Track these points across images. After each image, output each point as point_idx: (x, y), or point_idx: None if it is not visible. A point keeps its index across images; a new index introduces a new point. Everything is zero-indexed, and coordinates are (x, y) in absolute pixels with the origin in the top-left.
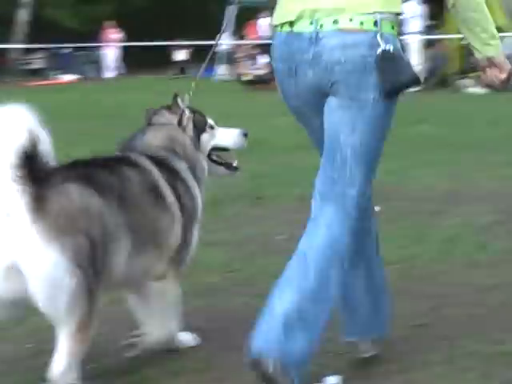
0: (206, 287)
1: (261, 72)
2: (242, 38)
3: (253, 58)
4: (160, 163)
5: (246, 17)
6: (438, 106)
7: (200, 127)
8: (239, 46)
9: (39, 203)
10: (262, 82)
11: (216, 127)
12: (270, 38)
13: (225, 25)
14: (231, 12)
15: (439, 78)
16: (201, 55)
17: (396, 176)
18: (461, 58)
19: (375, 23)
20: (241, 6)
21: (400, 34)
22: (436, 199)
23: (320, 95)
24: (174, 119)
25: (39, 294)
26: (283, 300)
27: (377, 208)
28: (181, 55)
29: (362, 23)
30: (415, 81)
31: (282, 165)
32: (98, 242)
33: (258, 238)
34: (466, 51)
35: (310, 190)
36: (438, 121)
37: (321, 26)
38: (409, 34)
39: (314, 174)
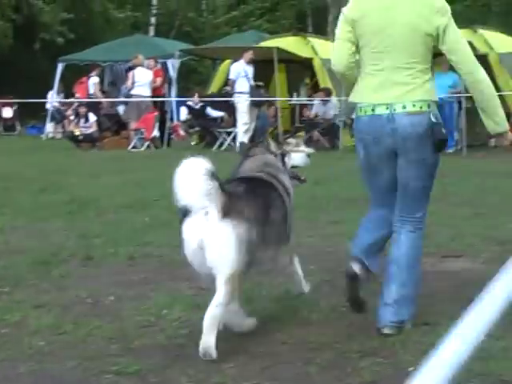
0: (34, 351)
1: (90, 130)
2: (71, 95)
3: (82, 116)
4: (274, 178)
5: (76, 75)
6: None
7: (283, 154)
8: (69, 103)
9: (225, 205)
10: (91, 141)
11: (290, 152)
12: (94, 97)
13: (57, 83)
14: (60, 70)
15: (267, 138)
16: (29, 112)
17: None
18: (289, 118)
19: (428, 106)
20: (70, 63)
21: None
22: None
23: (394, 156)
24: (266, 151)
25: (214, 256)
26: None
27: None
28: (7, 112)
29: (421, 107)
30: (446, 138)
31: (111, 224)
32: (256, 231)
33: (87, 300)
34: (298, 111)
35: (139, 249)
36: None
37: (394, 109)
38: (236, 93)
39: (143, 233)
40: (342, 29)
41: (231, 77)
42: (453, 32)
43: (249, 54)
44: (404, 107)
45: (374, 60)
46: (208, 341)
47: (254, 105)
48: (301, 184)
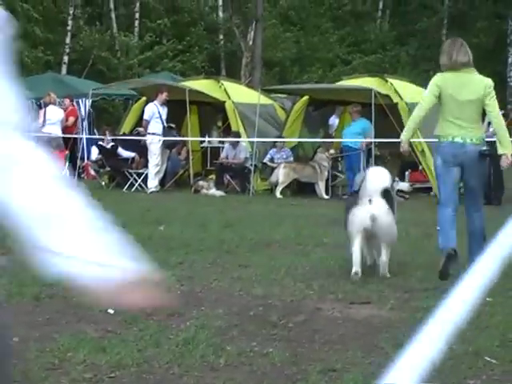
0: None
1: None
2: None
3: None
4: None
5: None
6: (175, 208)
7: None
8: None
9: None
10: None
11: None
12: None
13: None
14: None
15: (178, 179)
16: None
17: None
18: (201, 160)
19: (482, 139)
20: None
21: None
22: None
23: (462, 167)
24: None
25: (384, 231)
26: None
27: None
28: None
29: (477, 139)
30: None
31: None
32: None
33: None
34: (209, 154)
35: (45, 290)
36: (176, 222)
37: (465, 140)
38: (149, 134)
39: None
40: (431, 87)
41: (145, 117)
42: (492, 96)
43: (163, 96)
44: (471, 139)
45: (451, 113)
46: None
47: (167, 146)
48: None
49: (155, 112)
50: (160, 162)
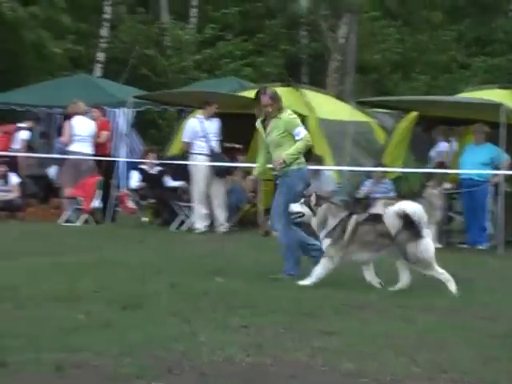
0: None
1: (9, 196)
2: None
3: (0, 176)
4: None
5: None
6: (238, 254)
7: None
8: None
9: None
10: (10, 209)
11: None
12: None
13: None
14: None
15: (242, 217)
16: None
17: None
18: (273, 192)
19: None
20: None
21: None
22: None
23: None
24: None
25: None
26: None
27: None
28: None
29: None
30: None
31: (33, 321)
32: None
33: None
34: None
35: (70, 357)
36: (239, 273)
37: None
38: (194, 154)
39: (75, 335)
40: None
41: (184, 139)
42: None
43: (212, 108)
44: None
45: None
46: None
47: (217, 173)
48: None
49: (197, 130)
50: (205, 195)
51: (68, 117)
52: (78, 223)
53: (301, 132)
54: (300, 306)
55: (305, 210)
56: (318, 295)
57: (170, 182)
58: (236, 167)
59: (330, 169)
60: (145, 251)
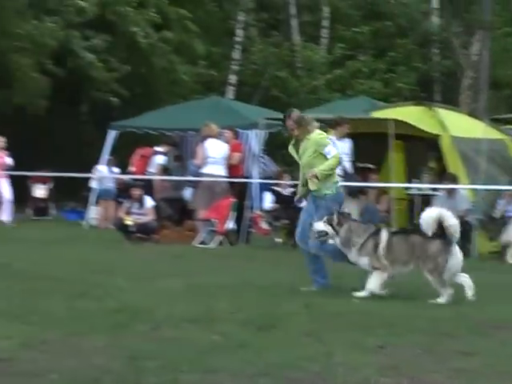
0: None
1: (145, 219)
2: (126, 171)
3: (136, 199)
4: None
5: (133, 145)
6: None
7: None
8: (122, 181)
9: None
10: (146, 232)
11: None
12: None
13: (106, 155)
14: (112, 138)
15: None
16: (67, 191)
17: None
18: (407, 212)
19: None
20: (125, 131)
21: None
22: None
23: None
24: None
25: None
26: None
27: None
28: (40, 191)
29: None
30: None
31: (169, 342)
32: None
33: None
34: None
35: (206, 378)
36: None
37: None
38: None
39: (211, 356)
40: None
41: None
42: None
43: (344, 129)
44: None
45: None
46: None
47: (350, 194)
48: None
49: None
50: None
51: (201, 139)
52: (212, 245)
53: (331, 151)
54: (437, 325)
55: (328, 228)
56: (453, 314)
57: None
58: (369, 187)
59: (464, 187)
60: (279, 272)
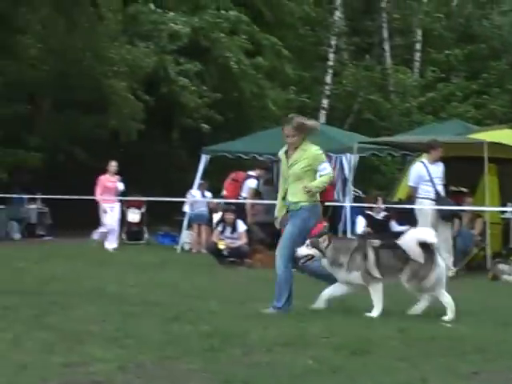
0: None
1: (238, 243)
2: (218, 195)
3: (229, 224)
4: None
5: (225, 170)
6: (467, 298)
7: None
8: (215, 206)
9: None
10: (239, 256)
11: None
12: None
13: (198, 179)
14: (204, 163)
15: (470, 261)
16: (160, 216)
17: None
18: (502, 235)
19: None
20: (217, 156)
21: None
22: None
23: None
24: None
25: None
26: None
27: None
28: (133, 216)
29: None
30: None
31: (262, 367)
32: None
33: None
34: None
35: None
36: (468, 317)
37: None
38: (419, 199)
39: (305, 381)
40: None
41: (410, 183)
42: None
43: (437, 153)
44: None
45: None
46: None
47: (444, 217)
48: None
49: (423, 174)
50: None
51: None
52: None
53: (326, 168)
54: None
55: (313, 251)
56: None
57: (396, 227)
58: (463, 210)
59: None
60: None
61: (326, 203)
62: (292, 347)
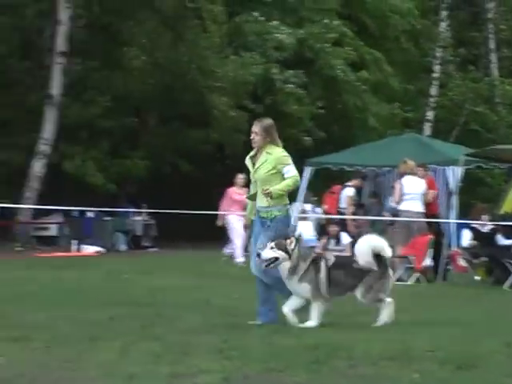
0: None
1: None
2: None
3: (333, 236)
4: None
5: (328, 181)
6: None
7: None
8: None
9: None
10: None
11: None
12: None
13: (303, 191)
14: (308, 175)
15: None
16: None
17: None
18: None
19: None
20: (321, 168)
21: None
22: None
23: None
24: None
25: None
26: None
27: None
28: None
29: None
30: None
31: (367, 380)
32: None
33: None
34: None
35: None
36: None
37: None
38: None
39: None
40: None
41: None
42: None
43: None
44: None
45: None
46: None
47: None
48: None
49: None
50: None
51: (399, 176)
52: (409, 282)
53: (290, 170)
54: None
55: (279, 253)
56: None
57: (503, 241)
58: None
59: None
60: (478, 310)
61: (431, 217)
62: (397, 361)
